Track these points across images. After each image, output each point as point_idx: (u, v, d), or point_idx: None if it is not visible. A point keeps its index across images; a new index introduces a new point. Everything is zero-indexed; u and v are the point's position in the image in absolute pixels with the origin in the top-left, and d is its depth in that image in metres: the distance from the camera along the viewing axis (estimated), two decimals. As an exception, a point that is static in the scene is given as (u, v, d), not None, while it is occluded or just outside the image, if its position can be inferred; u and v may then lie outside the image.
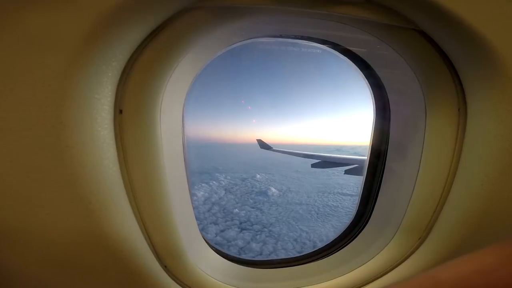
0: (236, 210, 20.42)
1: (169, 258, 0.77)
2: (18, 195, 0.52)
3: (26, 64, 0.47)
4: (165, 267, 0.78)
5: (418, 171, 0.86)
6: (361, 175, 1.14)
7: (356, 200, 1.13)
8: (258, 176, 33.31)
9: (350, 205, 22.79)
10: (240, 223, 17.87)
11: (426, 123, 0.82)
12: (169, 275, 0.79)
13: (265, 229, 17.55)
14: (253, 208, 21.67)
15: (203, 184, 26.65)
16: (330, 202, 24.08)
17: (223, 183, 28.89)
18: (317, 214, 21.12)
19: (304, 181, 33.97)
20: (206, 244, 0.99)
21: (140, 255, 0.68)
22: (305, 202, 24.28)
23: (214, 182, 28.84)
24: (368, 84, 0.98)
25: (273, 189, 27.28)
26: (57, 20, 0.46)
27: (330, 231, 17.97)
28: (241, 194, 25.86)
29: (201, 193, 24.35)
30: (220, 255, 1.02)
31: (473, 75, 0.68)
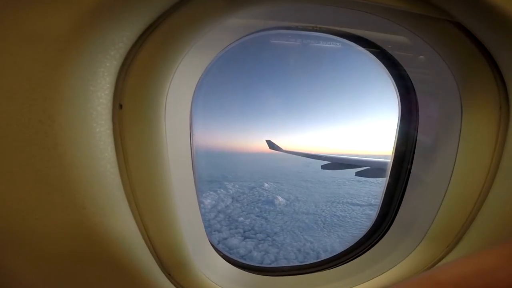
0: (241, 218, 20.18)
1: (174, 266, 0.73)
2: (1, 197, 0.48)
3: (10, 53, 0.42)
4: (169, 275, 0.73)
5: (451, 175, 0.80)
6: (373, 177, 1.11)
7: (366, 210, 1.10)
8: (266, 185, 32.99)
9: (359, 215, 21.87)
10: (244, 232, 17.56)
11: (462, 124, 0.76)
12: (173, 284, 0.74)
13: (269, 238, 17.12)
14: (258, 216, 21.31)
15: (211, 192, 26.74)
16: (339, 212, 23.21)
17: (231, 192, 28.83)
18: (324, 224, 20.38)
19: (313, 191, 33.25)
20: (213, 249, 0.94)
21: (142, 263, 0.64)
22: (312, 212, 23.64)
23: (222, 190, 28.86)
24: (393, 81, 0.92)
25: (280, 198, 26.82)
26: (45, 2, 0.41)
27: (336, 241, 17.21)
28: (247, 202, 25.63)
29: (208, 201, 24.43)
30: (228, 261, 0.96)
31: None
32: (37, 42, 0.42)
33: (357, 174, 9.18)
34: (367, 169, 8.90)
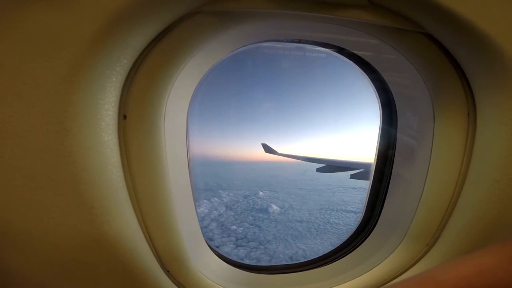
0: (234, 226, 19.97)
1: (172, 263, 0.77)
2: (21, 199, 0.53)
3: (30, 69, 0.47)
4: (168, 272, 0.78)
5: (426, 176, 0.85)
6: (368, 179, 1.15)
7: (359, 217, 1.14)
8: (261, 193, 32.74)
9: (352, 222, 21.84)
10: (236, 240, 17.33)
11: (434, 128, 0.81)
12: (171, 280, 0.79)
13: (261, 246, 16.90)
14: (251, 225, 21.04)
15: (204, 201, 26.39)
16: (332, 219, 23.13)
17: (225, 200, 28.49)
18: (317, 231, 20.24)
19: (308, 198, 33.12)
20: (209, 249, 0.99)
21: (143, 260, 0.69)
22: (306, 220, 23.49)
23: (215, 199, 28.49)
24: (374, 88, 0.99)
25: (274, 206, 26.61)
26: (60, 25, 0.47)
27: (328, 249, 17.05)
28: (241, 211, 25.33)
29: (201, 209, 24.08)
30: (223, 260, 1.01)
31: (482, 79, 0.67)
32: (54, 61, 0.48)
33: (352, 176, 9.18)
34: (362, 171, 8.88)
